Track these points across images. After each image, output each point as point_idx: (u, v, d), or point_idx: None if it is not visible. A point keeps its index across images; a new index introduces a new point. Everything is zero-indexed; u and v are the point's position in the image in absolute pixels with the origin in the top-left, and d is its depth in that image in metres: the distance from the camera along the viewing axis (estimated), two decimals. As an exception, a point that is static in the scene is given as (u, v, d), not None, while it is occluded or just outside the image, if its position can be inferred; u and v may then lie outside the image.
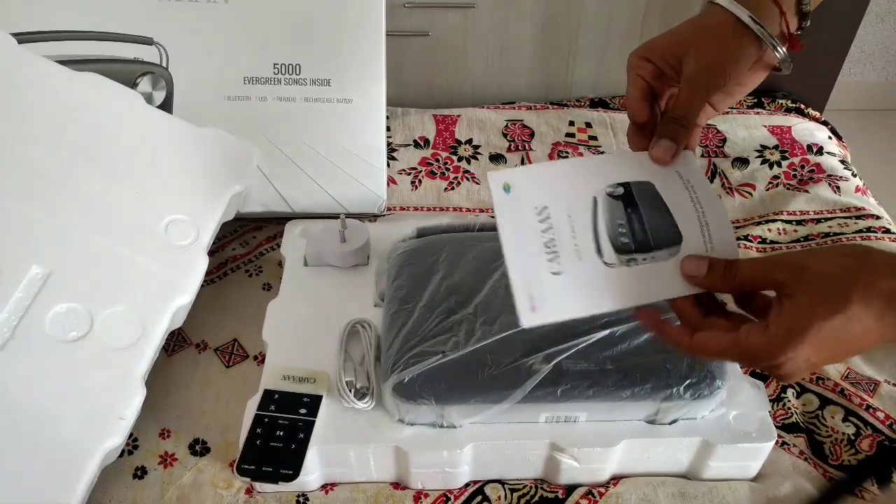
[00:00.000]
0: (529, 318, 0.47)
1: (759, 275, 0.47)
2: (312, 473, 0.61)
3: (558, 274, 0.49)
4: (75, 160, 0.67)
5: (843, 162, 0.99)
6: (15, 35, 0.71)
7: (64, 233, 0.62)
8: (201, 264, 0.68)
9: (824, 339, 0.43)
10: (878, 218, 0.90)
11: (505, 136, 1.00)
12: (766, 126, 1.03)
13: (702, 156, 0.99)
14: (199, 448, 0.65)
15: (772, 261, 0.47)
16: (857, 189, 0.94)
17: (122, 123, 0.72)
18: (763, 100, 1.09)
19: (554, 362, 0.59)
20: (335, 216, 0.75)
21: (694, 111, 0.52)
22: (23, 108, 0.67)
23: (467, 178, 0.94)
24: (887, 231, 0.88)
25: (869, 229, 0.88)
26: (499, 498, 0.62)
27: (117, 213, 0.66)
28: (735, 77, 0.52)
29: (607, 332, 0.61)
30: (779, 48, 0.51)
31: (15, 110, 0.67)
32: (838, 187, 0.94)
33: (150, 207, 0.68)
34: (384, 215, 0.87)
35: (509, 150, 0.99)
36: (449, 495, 0.62)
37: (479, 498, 0.62)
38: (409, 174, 0.94)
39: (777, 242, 0.87)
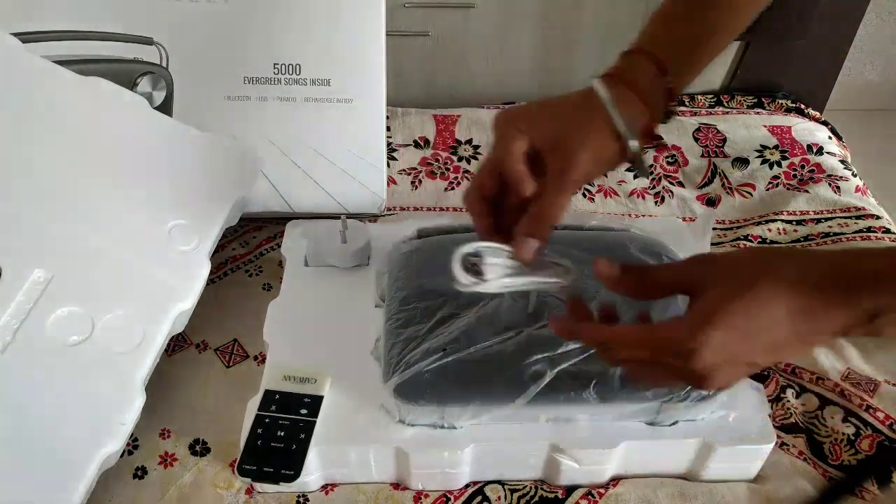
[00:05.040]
0: None
1: (673, 277, 0.48)
2: (313, 474, 0.61)
3: None
4: (80, 164, 0.67)
5: (843, 162, 0.99)
6: (15, 35, 0.71)
7: (67, 237, 0.62)
8: (203, 270, 0.68)
9: (735, 320, 0.43)
10: (878, 218, 0.90)
11: (505, 135, 1.00)
12: (766, 126, 1.03)
13: (702, 156, 0.99)
14: (199, 448, 0.65)
15: (682, 263, 0.49)
16: (857, 189, 0.94)
17: (128, 128, 0.72)
18: (763, 100, 1.09)
19: (557, 369, 0.59)
20: (335, 216, 0.75)
21: (561, 205, 0.52)
22: (28, 112, 0.67)
23: (467, 178, 0.94)
24: (887, 231, 0.88)
25: (869, 229, 0.88)
26: (498, 498, 0.62)
27: (120, 218, 0.66)
28: (600, 172, 0.54)
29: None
30: (632, 143, 0.52)
31: (20, 114, 0.67)
32: (838, 187, 0.94)
33: (153, 212, 0.68)
34: (384, 215, 0.87)
35: (509, 150, 0.98)
36: (449, 496, 0.62)
37: (478, 498, 0.62)
38: (409, 174, 0.94)
39: (777, 242, 0.87)
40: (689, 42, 0.54)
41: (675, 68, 0.53)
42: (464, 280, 0.51)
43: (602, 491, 0.62)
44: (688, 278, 0.47)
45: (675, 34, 0.55)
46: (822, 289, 0.43)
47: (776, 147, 1.00)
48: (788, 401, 0.71)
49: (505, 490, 0.62)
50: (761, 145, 1.00)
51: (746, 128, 1.02)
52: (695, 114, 1.05)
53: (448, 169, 0.95)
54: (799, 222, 0.90)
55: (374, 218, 0.86)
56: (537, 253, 0.52)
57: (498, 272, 0.52)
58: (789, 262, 0.44)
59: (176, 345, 0.73)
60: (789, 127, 1.03)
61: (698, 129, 1.02)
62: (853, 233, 0.88)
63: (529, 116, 0.53)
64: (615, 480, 0.63)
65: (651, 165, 0.97)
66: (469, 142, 0.99)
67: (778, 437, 0.65)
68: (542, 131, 0.52)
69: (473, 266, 0.51)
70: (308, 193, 0.83)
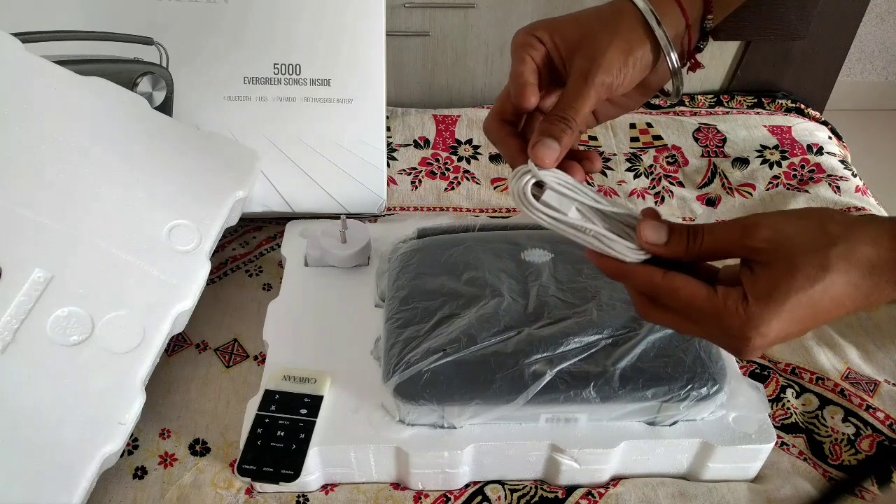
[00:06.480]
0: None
1: (730, 240, 0.44)
2: (313, 474, 0.61)
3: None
4: (79, 164, 0.67)
5: (843, 162, 0.99)
6: (15, 35, 0.71)
7: (67, 237, 0.62)
8: (203, 270, 0.68)
9: (801, 311, 0.41)
10: (877, 218, 0.90)
11: (505, 135, 1.00)
12: (766, 126, 1.03)
13: (702, 156, 0.99)
14: (199, 448, 0.65)
15: (743, 226, 0.43)
16: (858, 189, 0.94)
17: (127, 128, 0.72)
18: (763, 100, 1.09)
19: (557, 368, 0.59)
20: (335, 216, 0.75)
21: (582, 109, 0.46)
22: (27, 112, 0.67)
23: (467, 178, 0.94)
24: None
25: (869, 229, 0.88)
26: (499, 498, 0.62)
27: (120, 218, 0.66)
28: (629, 82, 0.47)
29: (610, 337, 0.61)
30: (673, 56, 0.47)
31: (19, 113, 0.67)
32: (838, 187, 0.94)
33: (153, 212, 0.68)
34: (384, 215, 0.87)
35: (509, 150, 0.99)
36: (449, 496, 0.62)
37: (478, 498, 0.62)
38: (409, 174, 0.94)
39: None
40: None
41: None
42: (539, 208, 0.46)
43: (602, 491, 0.62)
44: (751, 245, 0.42)
45: None
46: (891, 272, 0.40)
47: (776, 147, 1.00)
48: (788, 401, 0.71)
49: (505, 490, 0.62)
50: (761, 145, 1.00)
51: (746, 128, 1.02)
52: (695, 114, 1.05)
53: (448, 169, 0.95)
54: (799, 222, 0.90)
55: (374, 218, 0.86)
56: (556, 159, 0.46)
57: (567, 204, 0.46)
58: (862, 241, 0.41)
59: (176, 345, 0.73)
60: (789, 127, 1.03)
61: (698, 129, 1.02)
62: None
63: (550, 23, 0.48)
64: (615, 480, 0.63)
65: (651, 166, 0.97)
66: (469, 142, 0.99)
67: (778, 437, 0.65)
68: (564, 36, 0.47)
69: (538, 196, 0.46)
70: (308, 193, 0.83)
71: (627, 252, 0.46)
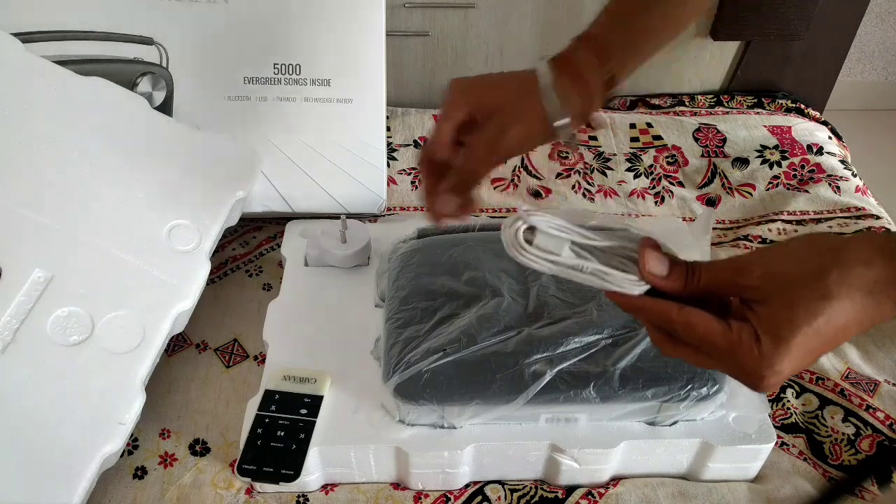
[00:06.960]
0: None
1: (725, 278, 0.45)
2: (313, 474, 0.61)
3: None
4: (79, 164, 0.67)
5: (843, 162, 0.99)
6: (15, 35, 0.71)
7: (67, 237, 0.62)
8: (203, 270, 0.68)
9: (810, 342, 0.42)
10: (878, 218, 0.90)
11: (505, 135, 1.00)
12: (766, 126, 1.03)
13: (702, 156, 0.99)
14: (199, 448, 0.65)
15: (737, 265, 0.45)
16: (858, 189, 0.94)
17: (127, 128, 0.73)
18: (763, 100, 1.09)
19: (557, 368, 0.59)
20: (335, 216, 0.75)
21: (482, 174, 0.55)
22: (28, 112, 0.67)
23: (467, 178, 0.94)
24: (887, 231, 0.88)
25: (869, 229, 0.88)
26: (499, 498, 0.62)
27: (120, 218, 0.66)
28: (528, 149, 0.58)
29: (610, 337, 0.61)
30: (562, 135, 0.54)
31: (20, 114, 0.67)
32: (838, 187, 0.94)
33: (153, 212, 0.68)
34: (384, 215, 0.87)
35: (509, 150, 0.98)
36: (449, 496, 0.62)
37: (478, 498, 0.62)
38: (409, 174, 0.94)
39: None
40: (636, 32, 0.57)
41: (619, 57, 0.56)
42: (532, 253, 0.47)
43: (602, 491, 0.62)
44: (744, 283, 0.44)
45: (625, 23, 0.57)
46: (892, 290, 0.41)
47: (776, 147, 1.00)
48: (788, 401, 0.71)
49: (505, 490, 0.62)
50: (761, 145, 1.00)
51: (746, 128, 1.02)
52: (695, 114, 1.05)
53: (448, 169, 0.95)
54: (799, 222, 0.90)
55: (374, 218, 0.86)
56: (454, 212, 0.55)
57: (560, 244, 0.47)
58: (854, 262, 0.41)
59: (176, 345, 0.73)
60: (789, 127, 1.03)
61: (698, 129, 1.02)
62: (853, 233, 0.88)
63: (477, 88, 0.57)
64: (615, 480, 0.63)
65: (651, 166, 0.97)
66: (469, 142, 0.99)
67: (778, 437, 0.65)
68: (484, 102, 0.55)
69: (529, 240, 0.47)
70: (308, 193, 0.83)
71: (626, 284, 0.46)
